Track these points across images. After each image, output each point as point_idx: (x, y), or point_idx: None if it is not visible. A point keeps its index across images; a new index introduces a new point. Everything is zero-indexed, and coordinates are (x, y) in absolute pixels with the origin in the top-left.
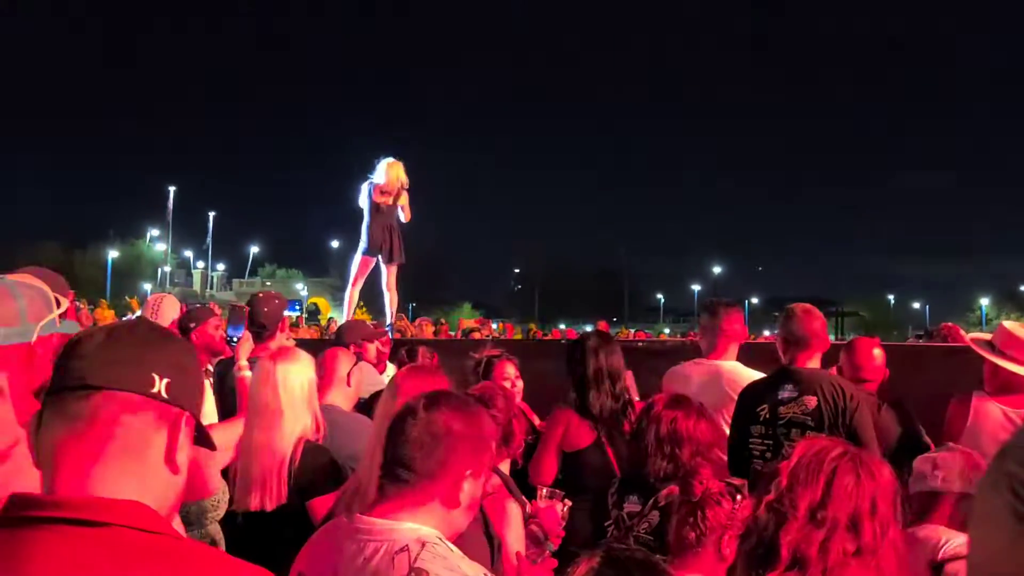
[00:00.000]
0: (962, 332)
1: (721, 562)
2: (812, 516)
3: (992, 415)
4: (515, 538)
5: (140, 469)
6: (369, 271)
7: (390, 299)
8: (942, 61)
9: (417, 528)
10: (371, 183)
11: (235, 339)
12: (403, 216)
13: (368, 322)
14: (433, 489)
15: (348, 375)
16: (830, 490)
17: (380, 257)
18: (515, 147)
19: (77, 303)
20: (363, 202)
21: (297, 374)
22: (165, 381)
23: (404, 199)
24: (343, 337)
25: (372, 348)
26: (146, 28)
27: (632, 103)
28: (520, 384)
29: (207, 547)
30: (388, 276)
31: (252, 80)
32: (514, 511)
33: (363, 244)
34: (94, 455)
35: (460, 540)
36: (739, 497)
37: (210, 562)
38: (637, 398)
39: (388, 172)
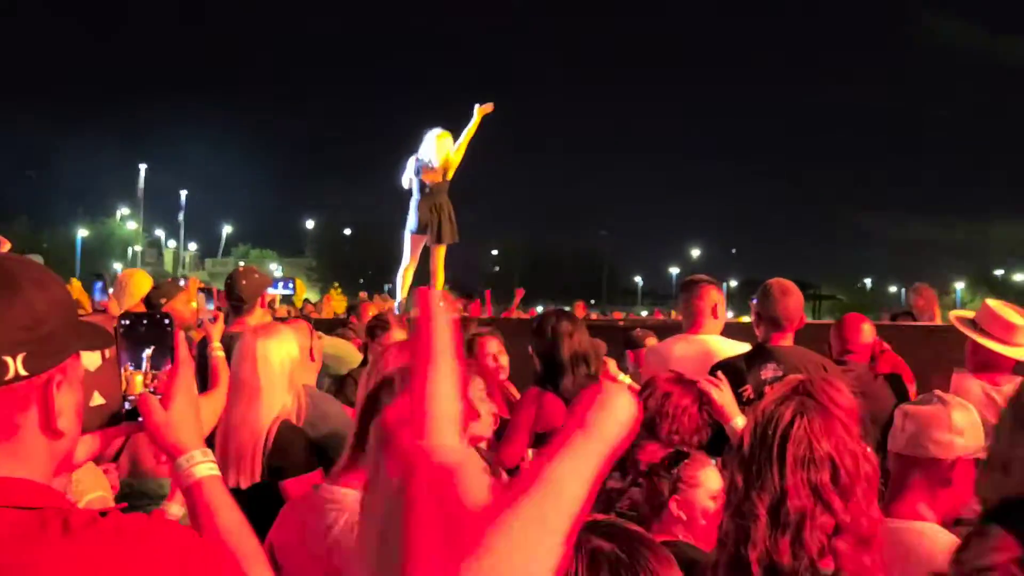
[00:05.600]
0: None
1: (679, 522)
2: (775, 518)
3: (972, 392)
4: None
5: (12, 448)
6: (420, 250)
7: (436, 276)
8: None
9: None
10: (418, 161)
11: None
12: (481, 115)
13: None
14: None
15: (311, 350)
16: (784, 479)
17: (428, 238)
18: (492, 128)
19: None
20: (407, 180)
21: (278, 351)
22: (20, 356)
23: (459, 154)
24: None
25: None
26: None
27: (611, 85)
28: (504, 360)
29: (96, 518)
30: (435, 255)
31: (227, 55)
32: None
33: (411, 223)
34: None
35: None
36: (684, 462)
37: (96, 536)
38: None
39: (438, 149)
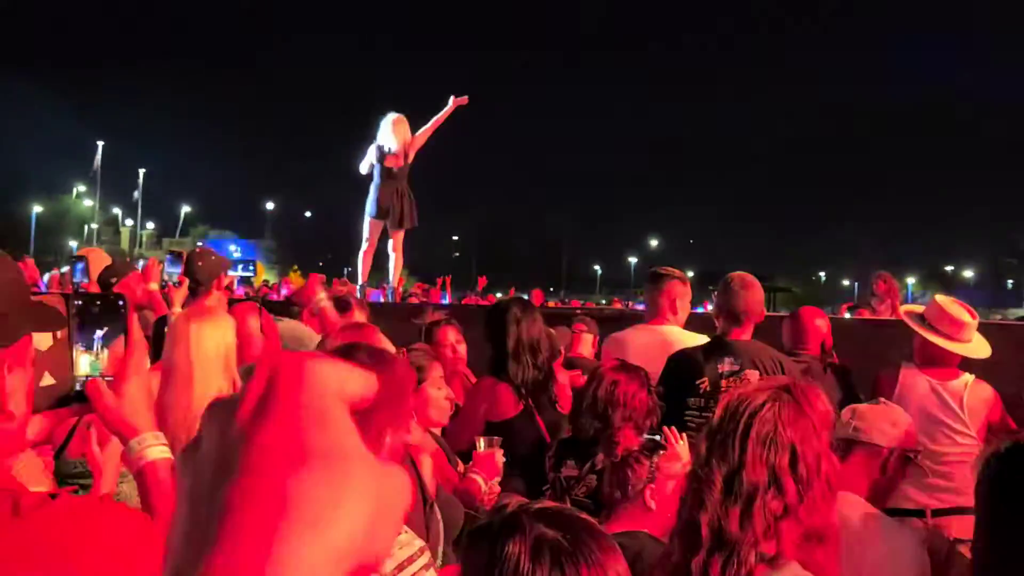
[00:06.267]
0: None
1: (648, 512)
2: (729, 487)
3: (918, 386)
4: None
5: None
6: (379, 235)
7: (395, 260)
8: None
9: None
10: (379, 148)
11: (174, 279)
12: (452, 108)
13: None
14: None
15: (261, 328)
16: (745, 452)
17: (388, 222)
18: (452, 113)
19: None
20: (365, 168)
21: (212, 335)
22: None
23: (424, 136)
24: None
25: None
26: None
27: (573, 69)
28: (462, 349)
29: (46, 500)
30: (394, 240)
31: (189, 32)
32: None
33: (371, 208)
34: None
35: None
36: (660, 452)
37: (47, 518)
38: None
39: (395, 133)
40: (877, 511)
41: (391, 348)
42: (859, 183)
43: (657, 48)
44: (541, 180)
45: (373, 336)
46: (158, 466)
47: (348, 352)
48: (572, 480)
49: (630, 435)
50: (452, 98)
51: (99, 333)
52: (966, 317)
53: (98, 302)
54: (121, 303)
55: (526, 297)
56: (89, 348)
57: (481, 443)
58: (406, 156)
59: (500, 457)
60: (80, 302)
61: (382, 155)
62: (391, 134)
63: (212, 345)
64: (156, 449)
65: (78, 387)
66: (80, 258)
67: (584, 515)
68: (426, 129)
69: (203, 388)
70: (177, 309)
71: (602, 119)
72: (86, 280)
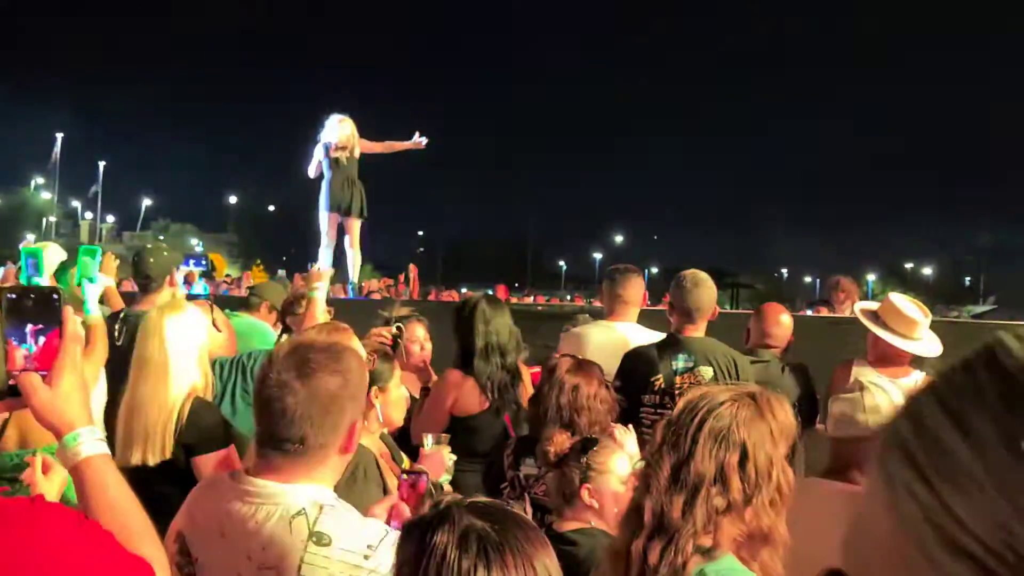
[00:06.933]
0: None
1: (590, 509)
2: (676, 476)
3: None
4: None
5: None
6: (337, 228)
7: (353, 258)
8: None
9: (313, 490)
10: (325, 143)
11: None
12: (408, 147)
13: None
14: (331, 449)
15: (214, 324)
16: (696, 444)
17: (340, 212)
18: (417, 111)
19: None
20: (313, 169)
21: (185, 328)
22: None
23: (369, 145)
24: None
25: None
26: None
27: (536, 68)
28: (429, 347)
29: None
30: (350, 233)
31: (151, 23)
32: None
33: (323, 201)
34: None
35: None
36: (593, 449)
37: None
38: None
39: (340, 128)
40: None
41: (361, 350)
42: (823, 182)
43: (621, 51)
44: (506, 176)
45: (347, 338)
46: (94, 461)
47: (307, 350)
48: (531, 478)
49: (561, 439)
50: (416, 134)
51: (33, 328)
52: (919, 315)
53: (32, 295)
54: (56, 296)
55: (491, 292)
56: (22, 342)
57: (428, 440)
58: (352, 150)
59: (448, 455)
60: (13, 295)
61: (327, 150)
62: (336, 129)
63: (186, 338)
64: (91, 444)
65: (10, 382)
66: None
67: (516, 510)
68: (378, 144)
69: (178, 380)
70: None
71: (570, 112)
72: (38, 274)
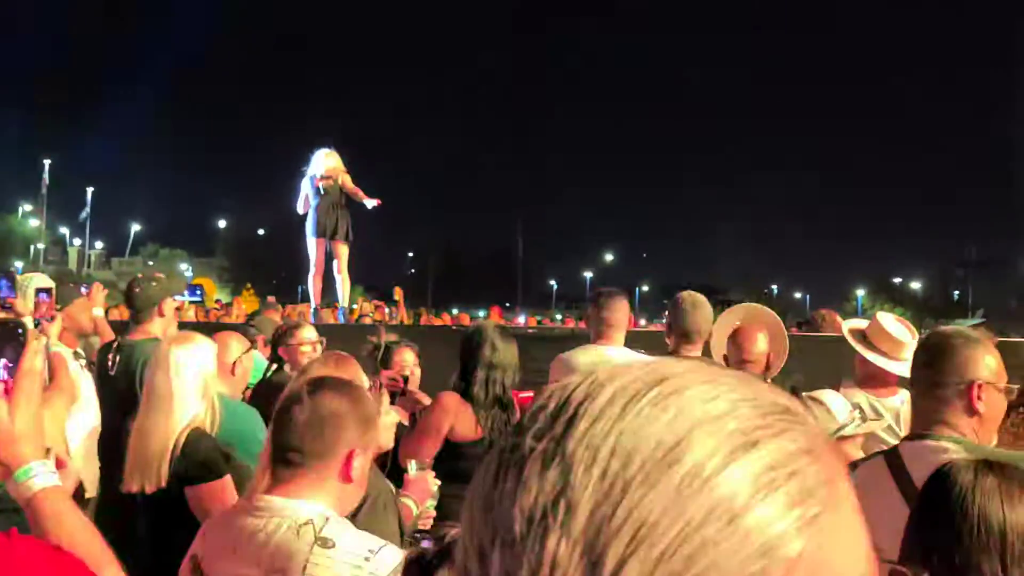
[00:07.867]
0: (839, 318)
1: None
2: None
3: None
4: None
5: None
6: (324, 254)
7: (342, 282)
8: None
9: (319, 506)
10: (311, 176)
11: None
12: (365, 201)
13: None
14: (327, 470)
15: (234, 364)
16: None
17: (327, 237)
18: (409, 128)
19: None
20: (301, 204)
21: (192, 361)
22: None
23: (349, 183)
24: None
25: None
26: None
27: (533, 84)
28: (418, 372)
29: None
30: (339, 259)
31: (137, 49)
32: None
33: (310, 227)
34: None
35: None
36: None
37: None
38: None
39: (326, 161)
40: None
41: (364, 380)
42: (810, 196)
43: (604, 67)
44: (497, 195)
45: (352, 369)
46: (48, 494)
47: (318, 385)
48: None
49: None
50: (370, 201)
51: (3, 362)
52: (906, 336)
53: None
54: (20, 331)
55: (483, 314)
56: None
57: (412, 466)
58: (338, 178)
59: (433, 480)
60: None
61: (313, 179)
62: (322, 163)
63: (192, 371)
64: (43, 478)
65: None
66: (7, 273)
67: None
68: (352, 188)
69: (181, 411)
70: (54, 342)
71: (558, 130)
72: (13, 296)
